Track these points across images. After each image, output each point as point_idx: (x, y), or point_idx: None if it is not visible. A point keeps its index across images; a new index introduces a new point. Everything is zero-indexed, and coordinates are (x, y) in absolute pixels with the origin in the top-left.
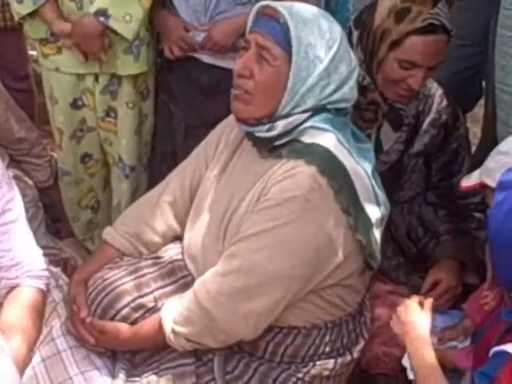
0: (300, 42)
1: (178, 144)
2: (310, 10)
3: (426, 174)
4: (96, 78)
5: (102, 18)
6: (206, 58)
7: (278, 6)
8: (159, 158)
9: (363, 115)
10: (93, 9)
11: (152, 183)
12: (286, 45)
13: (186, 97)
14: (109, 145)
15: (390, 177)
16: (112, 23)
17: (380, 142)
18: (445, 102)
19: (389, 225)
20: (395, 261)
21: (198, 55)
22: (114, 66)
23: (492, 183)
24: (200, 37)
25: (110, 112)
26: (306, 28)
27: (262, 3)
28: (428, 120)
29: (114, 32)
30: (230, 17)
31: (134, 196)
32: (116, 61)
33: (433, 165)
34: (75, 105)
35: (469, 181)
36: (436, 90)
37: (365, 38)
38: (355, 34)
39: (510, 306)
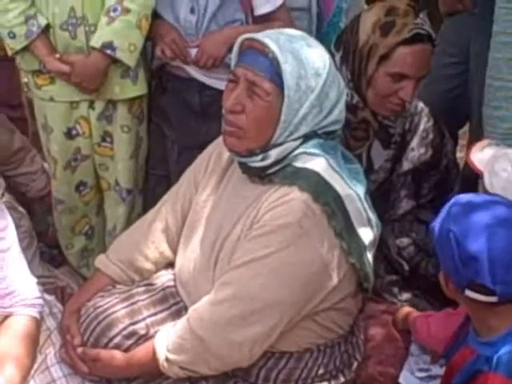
0: (291, 76)
1: (171, 167)
2: (297, 38)
3: (415, 191)
4: (90, 105)
5: (109, 51)
6: (198, 76)
7: (265, 40)
8: (153, 181)
9: (354, 134)
10: (97, 43)
11: (147, 207)
12: (277, 79)
13: (178, 119)
14: (105, 170)
15: (379, 196)
16: (119, 55)
17: (371, 160)
18: (431, 121)
19: (380, 244)
20: (387, 279)
21: (190, 71)
22: (111, 92)
23: (488, 184)
24: (192, 53)
25: (105, 137)
26: (296, 60)
27: (248, 36)
28: (415, 139)
29: (114, 61)
30: (219, 30)
31: (130, 220)
32: (113, 86)
33: (424, 183)
34: (69, 134)
35: (478, 162)
36: (422, 109)
37: (351, 57)
38: (337, 56)
39: (474, 327)
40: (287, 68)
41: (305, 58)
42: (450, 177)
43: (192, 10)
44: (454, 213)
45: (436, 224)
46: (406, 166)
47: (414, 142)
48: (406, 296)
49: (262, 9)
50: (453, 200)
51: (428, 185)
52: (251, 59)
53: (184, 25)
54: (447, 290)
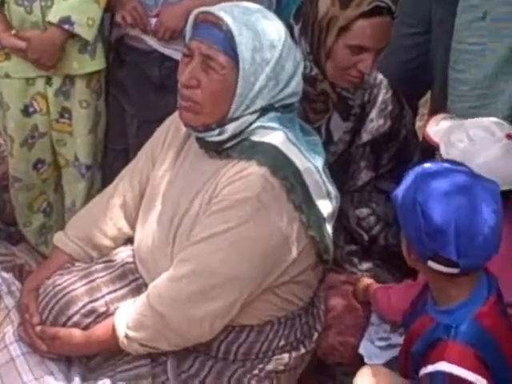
0: (246, 48)
1: (130, 141)
2: (252, 10)
3: (374, 161)
4: (47, 81)
5: (66, 26)
6: (158, 47)
7: (219, 12)
8: (112, 156)
9: (314, 107)
10: (54, 18)
11: (106, 182)
12: (232, 52)
13: (137, 93)
14: (62, 146)
15: (338, 167)
16: (78, 29)
17: (330, 132)
18: (390, 92)
19: (340, 214)
20: (347, 249)
21: (149, 42)
22: (68, 67)
23: (444, 153)
24: (152, 22)
25: (63, 113)
26: (250, 32)
27: (202, 9)
28: (374, 110)
29: (72, 35)
30: (177, 1)
31: (89, 196)
32: (71, 61)
33: (384, 154)
34: (26, 112)
35: (434, 134)
36: (381, 81)
37: (310, 29)
38: (296, 27)
39: (433, 297)
40: (242, 40)
41: (260, 30)
42: (410, 147)
43: None
44: (420, 183)
45: (400, 192)
46: (365, 137)
47: (373, 114)
48: (366, 266)
49: None
50: (418, 169)
51: (387, 155)
52: (205, 32)
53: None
54: (409, 258)
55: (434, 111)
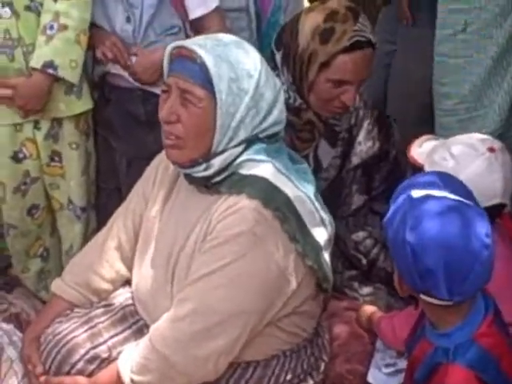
0: (221, 79)
1: (121, 179)
2: (225, 42)
3: (366, 184)
4: (35, 125)
5: (50, 70)
6: (140, 85)
7: (192, 45)
8: (105, 195)
9: (300, 136)
10: (37, 63)
11: (101, 222)
12: (208, 84)
13: (124, 130)
14: (55, 189)
15: (330, 193)
16: (62, 73)
17: (319, 159)
18: (376, 113)
19: (336, 240)
20: (347, 275)
21: (131, 79)
22: (56, 110)
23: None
24: (132, 60)
25: (53, 156)
26: (225, 63)
27: (174, 44)
28: (362, 133)
29: (57, 79)
30: (152, 51)
31: (86, 237)
32: (58, 104)
33: (375, 175)
34: (16, 158)
35: (419, 155)
36: (365, 102)
37: (291, 61)
38: (278, 55)
39: (431, 321)
40: (217, 72)
41: (234, 61)
42: (400, 166)
43: (128, 19)
44: (409, 217)
45: (390, 223)
46: (355, 160)
47: (361, 136)
48: (366, 290)
49: (195, 12)
50: (408, 197)
51: (379, 177)
52: (181, 67)
53: (121, 35)
54: (400, 289)
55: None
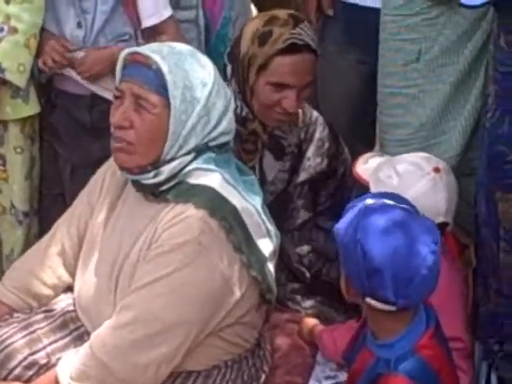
0: (176, 86)
1: (65, 186)
2: (180, 50)
3: (312, 200)
4: None
5: None
6: (88, 84)
7: (147, 52)
8: (48, 201)
9: (244, 147)
10: None
11: (43, 228)
12: (163, 91)
13: (70, 137)
14: None
15: (277, 206)
16: (9, 76)
17: (263, 172)
18: (326, 130)
19: (281, 253)
20: (290, 287)
21: (76, 77)
22: (2, 113)
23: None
24: (77, 55)
25: None
26: (180, 70)
27: (130, 50)
28: (311, 148)
29: (4, 82)
30: (102, 47)
31: (27, 243)
32: (4, 107)
33: (322, 191)
34: None
35: (363, 172)
36: (317, 118)
37: (236, 68)
38: (229, 68)
39: (372, 331)
40: (172, 78)
41: (189, 69)
42: (347, 184)
43: (79, 25)
44: (362, 220)
45: (341, 228)
46: (303, 176)
47: (310, 152)
48: (309, 303)
49: (148, 21)
50: (360, 203)
51: (325, 193)
52: (135, 72)
53: (71, 40)
54: (347, 293)
55: None
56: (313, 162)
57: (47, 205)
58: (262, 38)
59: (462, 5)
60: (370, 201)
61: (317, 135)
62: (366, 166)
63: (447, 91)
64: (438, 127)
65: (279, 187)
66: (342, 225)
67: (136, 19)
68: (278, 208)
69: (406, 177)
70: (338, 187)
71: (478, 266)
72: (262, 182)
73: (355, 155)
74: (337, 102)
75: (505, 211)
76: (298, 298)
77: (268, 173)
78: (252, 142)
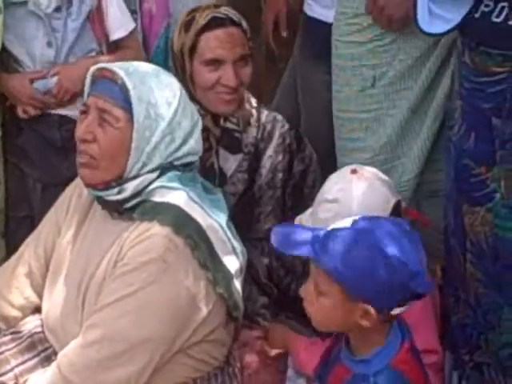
0: (140, 102)
1: (35, 206)
2: (146, 67)
3: (279, 204)
4: None
5: None
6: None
7: (114, 67)
8: (15, 223)
9: None
10: None
11: (10, 251)
12: (127, 106)
13: (39, 156)
14: None
15: (241, 209)
16: None
17: (222, 169)
18: (286, 126)
19: (249, 267)
20: (260, 302)
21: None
22: None
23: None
24: (51, 83)
25: None
26: (145, 87)
27: (98, 66)
28: (272, 146)
29: None
30: (75, 62)
31: None
32: None
33: (286, 191)
34: None
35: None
36: (274, 117)
37: (175, 65)
38: (172, 69)
39: (350, 346)
40: (136, 94)
41: (155, 87)
42: (307, 182)
43: (49, 44)
44: (372, 239)
45: (345, 261)
46: (266, 176)
47: (271, 150)
48: (279, 319)
49: (116, 34)
50: (351, 229)
51: (287, 191)
52: (101, 87)
53: (41, 59)
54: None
55: None
56: (274, 159)
57: (14, 228)
58: (187, 25)
59: (423, 32)
60: (360, 222)
61: (276, 132)
62: (304, 219)
63: (404, 115)
64: (395, 150)
65: (240, 188)
66: (344, 258)
67: (102, 34)
68: (242, 211)
69: (339, 195)
70: (297, 185)
71: (447, 277)
72: (223, 180)
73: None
74: (316, 117)
75: (471, 224)
76: (268, 314)
77: (226, 169)
78: (205, 139)
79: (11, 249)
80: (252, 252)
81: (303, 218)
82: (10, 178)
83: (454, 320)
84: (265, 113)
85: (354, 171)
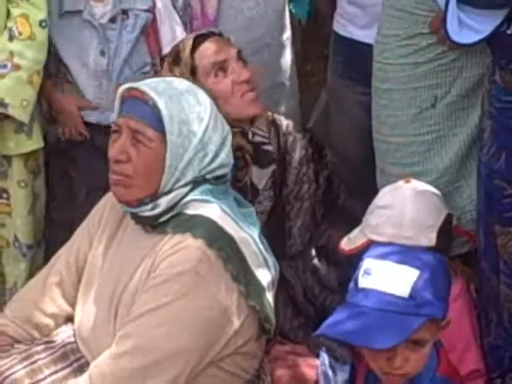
0: (172, 121)
1: (77, 210)
2: (177, 86)
3: (310, 215)
4: None
5: (1, 109)
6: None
7: (144, 87)
8: (61, 229)
9: (235, 164)
10: None
11: (49, 258)
12: (159, 125)
13: (86, 160)
14: (1, 227)
15: (272, 226)
16: (12, 111)
17: (254, 185)
18: (307, 136)
19: (285, 286)
20: (296, 322)
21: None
22: (5, 147)
23: (380, 238)
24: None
25: (1, 193)
26: (176, 105)
27: (126, 86)
28: (296, 158)
29: (7, 116)
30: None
31: (30, 275)
32: (7, 141)
33: (315, 203)
34: None
35: (353, 243)
36: (293, 126)
37: None
38: None
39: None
40: (168, 113)
41: (185, 103)
42: (333, 186)
43: (102, 53)
44: None
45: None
46: (292, 187)
47: (296, 162)
48: (311, 338)
49: (169, 48)
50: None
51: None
52: (132, 108)
53: (94, 68)
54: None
55: None
56: (300, 170)
57: (60, 234)
58: (175, 60)
59: (453, 42)
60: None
61: (298, 144)
62: (351, 236)
63: (469, 133)
64: (461, 170)
65: (267, 205)
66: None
67: (155, 48)
68: (272, 229)
69: (392, 201)
70: (325, 192)
71: (479, 300)
72: (255, 196)
73: (372, 189)
74: (347, 137)
75: (504, 244)
76: (301, 334)
77: (258, 184)
78: (240, 158)
79: (50, 255)
80: (287, 271)
81: (351, 236)
82: (56, 184)
83: (485, 343)
84: (284, 124)
85: (407, 181)
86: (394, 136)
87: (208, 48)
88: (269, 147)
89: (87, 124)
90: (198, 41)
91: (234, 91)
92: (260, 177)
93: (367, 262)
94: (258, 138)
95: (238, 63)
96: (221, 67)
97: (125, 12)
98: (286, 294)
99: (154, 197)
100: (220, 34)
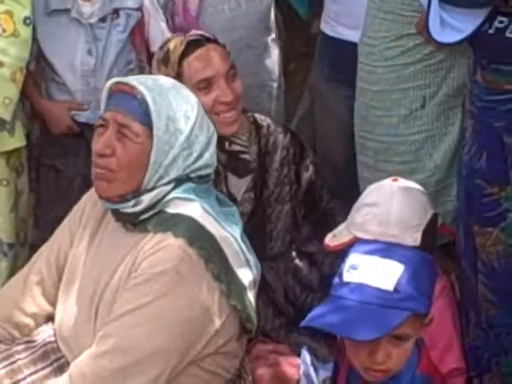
0: (160, 117)
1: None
2: (165, 81)
3: (290, 217)
4: None
5: None
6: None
7: (133, 82)
8: (49, 225)
9: None
10: None
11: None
12: (146, 120)
13: (76, 151)
14: None
15: (252, 228)
16: None
17: (231, 194)
18: (288, 136)
19: (266, 288)
20: (278, 322)
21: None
22: None
23: (366, 236)
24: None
25: None
26: (164, 101)
27: (114, 80)
28: (276, 159)
29: None
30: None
31: (12, 273)
32: None
33: (295, 203)
34: None
35: (338, 239)
36: (275, 128)
37: None
38: None
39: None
40: (156, 109)
41: (173, 100)
42: (316, 187)
43: (90, 52)
44: None
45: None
46: (273, 189)
47: (277, 163)
48: (292, 338)
49: (156, 45)
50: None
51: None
52: (120, 102)
53: (81, 68)
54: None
55: None
56: (280, 172)
57: (48, 230)
58: (164, 59)
59: (436, 41)
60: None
61: (279, 144)
62: (335, 232)
63: (458, 133)
64: (451, 168)
65: (248, 207)
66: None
67: (141, 45)
68: (253, 231)
69: (378, 199)
70: (307, 192)
71: (461, 299)
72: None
73: (354, 191)
74: (332, 138)
75: (483, 244)
76: (282, 333)
77: (236, 193)
78: None
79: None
80: (268, 272)
81: (336, 232)
82: (42, 182)
83: (466, 342)
84: (265, 124)
85: (394, 179)
86: (385, 135)
87: (198, 61)
88: (247, 156)
89: (77, 122)
90: (191, 48)
91: (213, 109)
92: (238, 186)
93: (352, 257)
94: (236, 147)
95: (226, 79)
96: (206, 84)
97: (115, 11)
98: (267, 296)
99: (137, 193)
100: (215, 40)
